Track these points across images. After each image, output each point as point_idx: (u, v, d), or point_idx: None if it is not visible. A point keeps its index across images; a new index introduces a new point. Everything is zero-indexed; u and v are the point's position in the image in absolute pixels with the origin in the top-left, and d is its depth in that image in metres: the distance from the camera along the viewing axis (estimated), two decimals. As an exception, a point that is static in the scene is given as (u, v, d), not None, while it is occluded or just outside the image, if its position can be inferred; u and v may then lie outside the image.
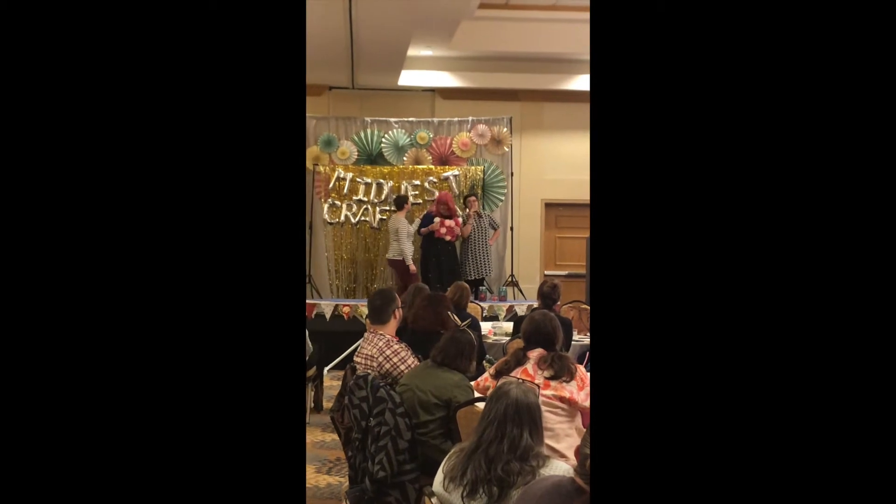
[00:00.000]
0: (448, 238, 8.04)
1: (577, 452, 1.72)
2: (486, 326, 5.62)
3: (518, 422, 2.14)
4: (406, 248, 7.85)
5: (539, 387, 2.90)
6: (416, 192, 8.85)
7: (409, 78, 9.40)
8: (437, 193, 8.51)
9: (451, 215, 8.09)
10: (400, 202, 8.17)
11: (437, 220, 7.98)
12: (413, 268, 7.82)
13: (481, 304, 7.35)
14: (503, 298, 8.27)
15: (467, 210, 8.34)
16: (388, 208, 8.65)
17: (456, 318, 4.22)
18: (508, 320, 6.67)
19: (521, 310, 7.47)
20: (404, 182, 8.93)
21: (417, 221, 8.28)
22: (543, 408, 2.69)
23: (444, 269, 8.02)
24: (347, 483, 3.38)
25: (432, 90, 9.86)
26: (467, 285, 5.67)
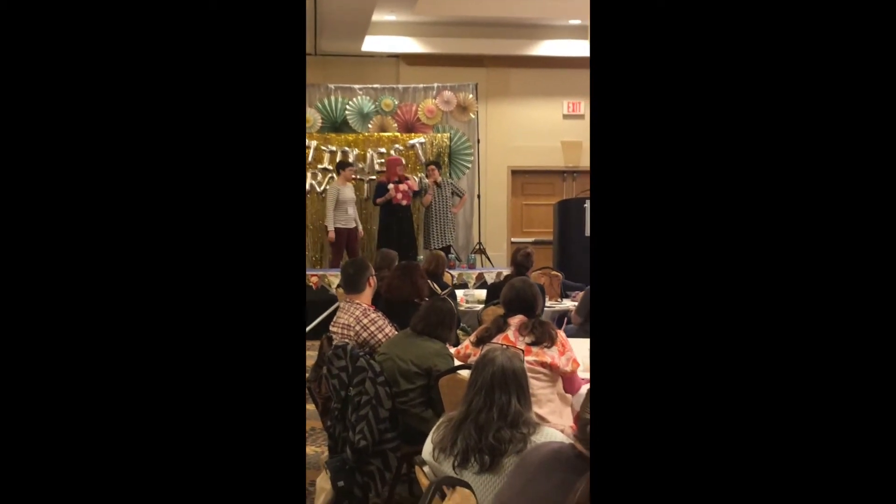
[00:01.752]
0: (405, 203, 7.99)
1: (577, 418, 1.70)
2: (457, 294, 5.62)
3: (505, 388, 2.12)
4: (329, 214, 7.81)
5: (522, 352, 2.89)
6: (382, 161, 8.74)
7: (372, 44, 9.26)
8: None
9: (402, 179, 8.05)
10: (338, 167, 8.09)
11: (391, 186, 7.91)
12: (332, 236, 7.79)
13: (451, 271, 7.34)
14: (471, 266, 8.26)
15: (427, 179, 8.28)
16: (353, 176, 8.54)
17: (436, 286, 4.19)
18: (478, 288, 6.66)
19: (489, 277, 7.47)
20: (370, 150, 8.82)
21: (347, 187, 8.03)
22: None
23: (403, 235, 7.99)
24: (326, 453, 3.35)
25: (397, 56, 9.72)
26: (443, 254, 5.66)
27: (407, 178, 8.16)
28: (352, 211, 8.01)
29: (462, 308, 5.32)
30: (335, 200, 7.80)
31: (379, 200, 8.00)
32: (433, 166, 8.27)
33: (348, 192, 7.98)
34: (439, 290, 4.15)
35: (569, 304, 5.50)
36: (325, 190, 8.46)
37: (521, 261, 5.13)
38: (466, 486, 1.95)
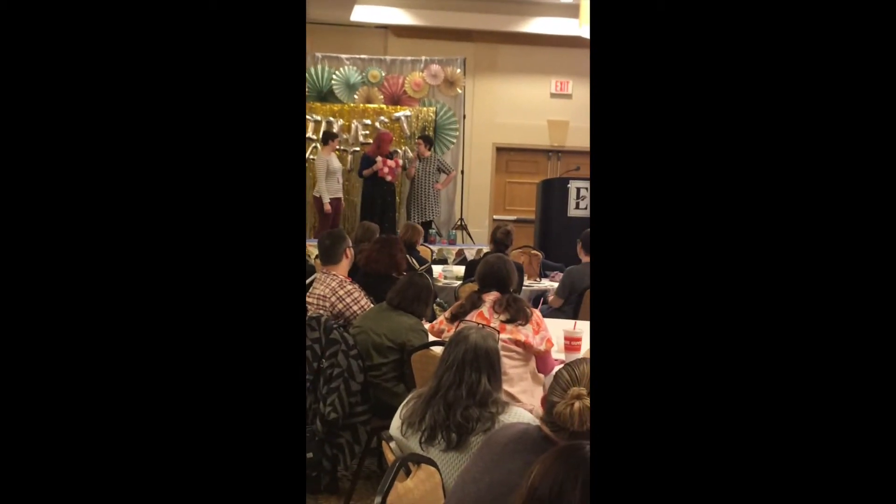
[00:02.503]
0: (390, 178, 7.96)
1: (544, 401, 1.69)
2: (436, 270, 5.60)
3: (476, 367, 2.11)
4: (322, 185, 7.71)
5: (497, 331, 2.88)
6: (367, 133, 8.68)
7: (361, 13, 9.13)
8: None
9: (392, 155, 8.02)
10: (324, 138, 7.98)
11: (379, 160, 7.86)
12: (328, 207, 7.70)
13: (431, 247, 7.32)
14: (452, 242, 8.25)
15: (411, 153, 8.25)
16: (338, 147, 8.46)
17: (415, 261, 4.18)
18: (458, 264, 6.65)
19: (470, 254, 7.45)
20: (355, 121, 8.74)
21: (333, 157, 7.92)
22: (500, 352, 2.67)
23: (386, 208, 7.98)
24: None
25: (385, 27, 9.60)
26: (419, 226, 5.64)
27: (397, 154, 8.14)
28: (341, 181, 7.97)
29: (440, 284, 5.30)
30: (325, 170, 7.73)
31: (366, 172, 7.94)
32: (421, 140, 8.23)
33: (336, 162, 7.93)
34: (417, 266, 4.13)
35: (547, 283, 5.50)
36: (309, 160, 8.38)
37: (500, 238, 5.11)
38: (432, 463, 1.94)
